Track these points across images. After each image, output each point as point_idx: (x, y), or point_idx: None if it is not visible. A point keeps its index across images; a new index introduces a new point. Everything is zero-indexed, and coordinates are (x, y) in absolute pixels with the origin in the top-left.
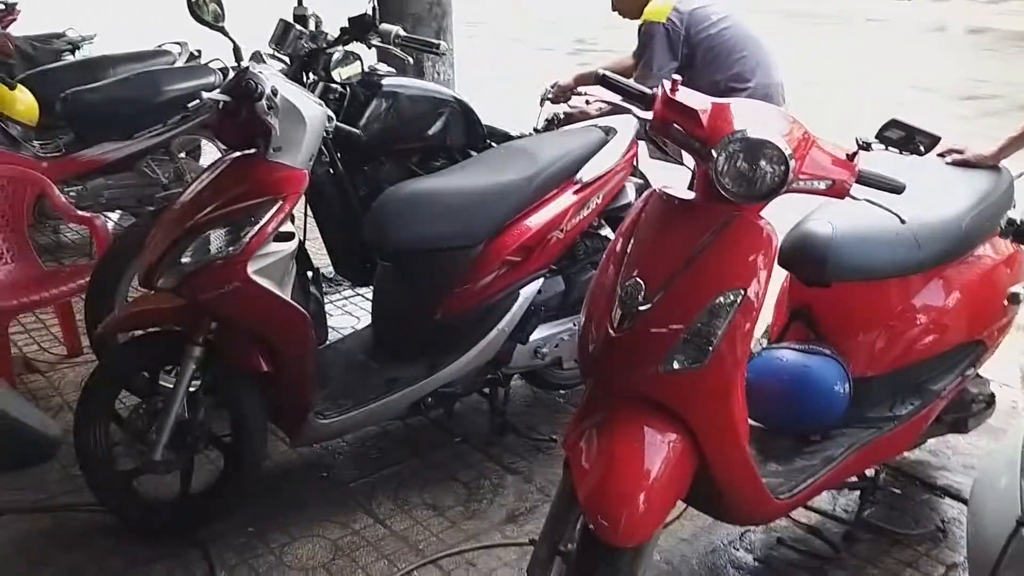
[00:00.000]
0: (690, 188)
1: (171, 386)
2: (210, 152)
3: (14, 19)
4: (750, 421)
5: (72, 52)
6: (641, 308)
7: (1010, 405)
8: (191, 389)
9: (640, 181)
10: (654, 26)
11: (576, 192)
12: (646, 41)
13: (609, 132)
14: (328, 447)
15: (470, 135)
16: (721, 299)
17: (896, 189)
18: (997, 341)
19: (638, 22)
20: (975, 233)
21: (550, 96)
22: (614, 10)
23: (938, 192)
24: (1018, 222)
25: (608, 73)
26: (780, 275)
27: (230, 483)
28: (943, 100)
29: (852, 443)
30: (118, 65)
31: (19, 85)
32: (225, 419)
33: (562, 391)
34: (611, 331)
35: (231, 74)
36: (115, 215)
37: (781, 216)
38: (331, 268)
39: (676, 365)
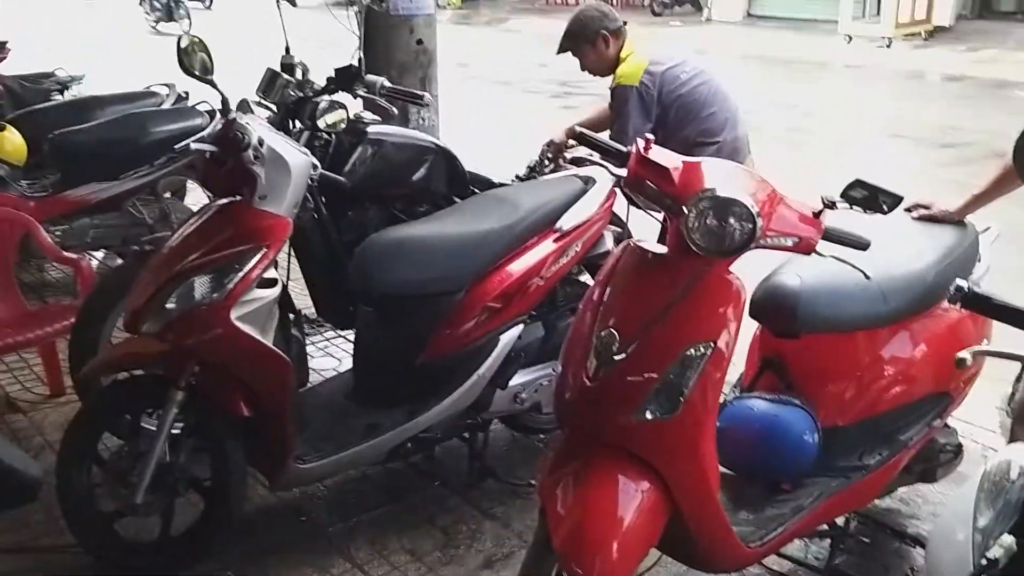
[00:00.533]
0: (660, 241)
1: (153, 429)
2: (195, 192)
3: (3, 58)
4: (722, 469)
5: (61, 92)
6: (616, 358)
7: (981, 453)
8: (173, 432)
9: (618, 229)
10: (627, 89)
11: (556, 240)
12: (620, 104)
13: (588, 182)
14: (307, 491)
15: (453, 182)
16: (692, 351)
17: (861, 246)
18: (964, 392)
19: (610, 79)
20: (940, 287)
21: (549, 155)
22: (583, 70)
23: (904, 247)
24: (965, 287)
25: (584, 131)
26: (752, 325)
27: (210, 527)
28: (919, 146)
29: (822, 492)
30: (106, 106)
31: (8, 125)
32: (205, 463)
33: (541, 435)
34: (586, 380)
35: (218, 117)
36: (99, 254)
37: (753, 267)
38: (313, 309)
39: (648, 415)
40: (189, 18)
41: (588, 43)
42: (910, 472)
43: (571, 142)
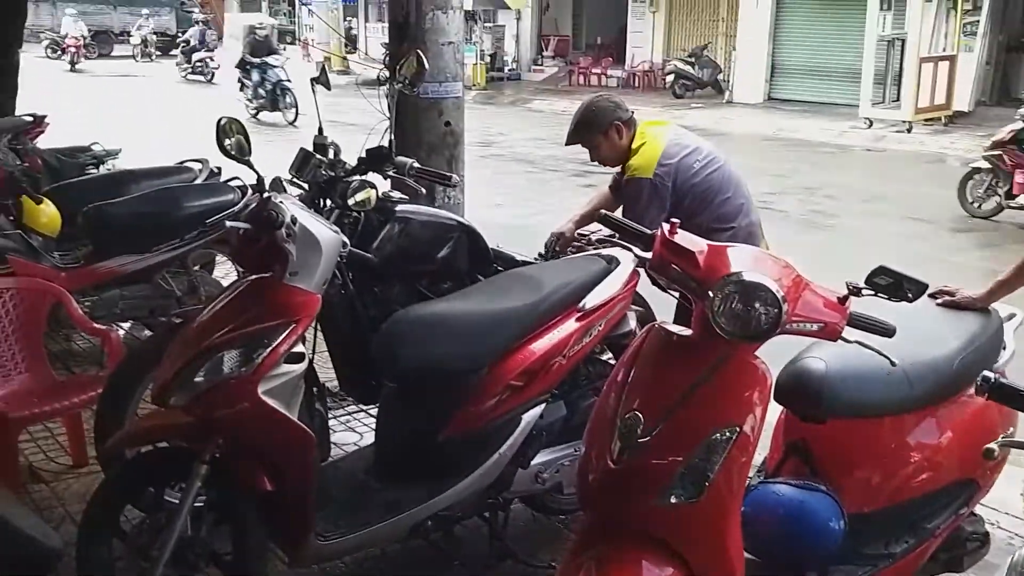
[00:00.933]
0: (676, 321)
1: (175, 502)
2: (224, 266)
3: (42, 131)
4: (746, 555)
5: (96, 166)
6: (640, 441)
7: (1007, 541)
8: (195, 506)
9: (641, 309)
10: (641, 181)
11: (579, 319)
12: (634, 196)
13: (612, 262)
14: (326, 567)
15: (477, 259)
16: (718, 435)
17: (887, 332)
18: (991, 480)
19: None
20: (965, 374)
21: (557, 248)
22: (594, 160)
23: (929, 333)
24: (992, 379)
25: (609, 213)
26: (776, 409)
27: None
28: (940, 230)
29: None
30: (140, 180)
31: (44, 198)
32: (226, 537)
33: (562, 516)
34: (610, 463)
35: (250, 194)
36: (126, 324)
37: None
38: (336, 383)
39: (673, 500)
40: (296, 108)
41: (600, 134)
42: (936, 561)
43: (579, 232)
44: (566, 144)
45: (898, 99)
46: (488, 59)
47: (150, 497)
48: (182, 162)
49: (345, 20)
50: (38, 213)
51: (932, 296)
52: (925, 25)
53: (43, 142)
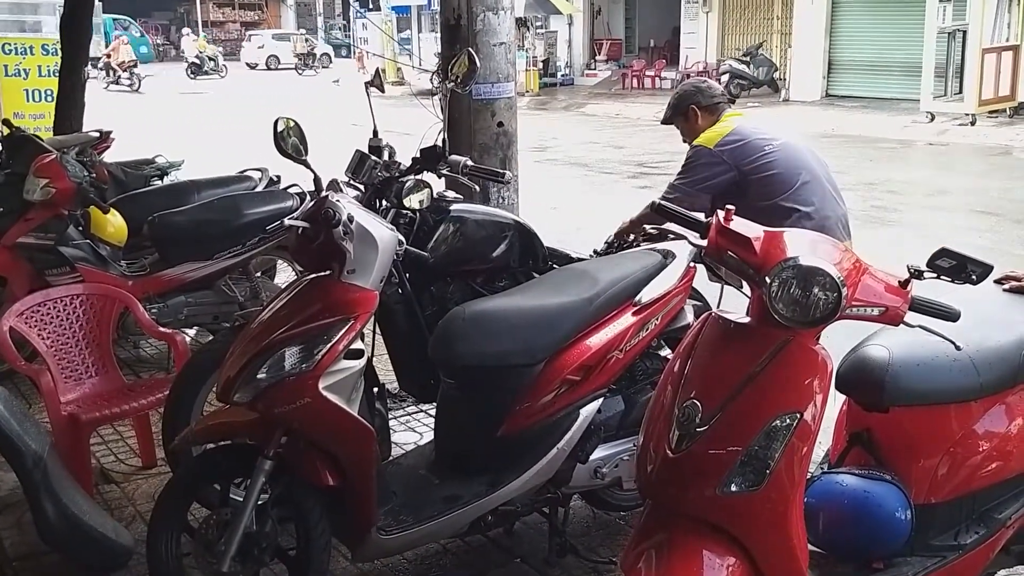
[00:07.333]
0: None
1: (241, 499)
2: (285, 272)
3: (108, 146)
4: (811, 547)
5: (160, 177)
6: (699, 429)
7: None
8: (259, 502)
9: (698, 303)
10: (699, 150)
11: (635, 313)
12: (688, 160)
13: (668, 256)
14: (388, 563)
15: (532, 257)
16: (777, 422)
17: (951, 316)
18: None
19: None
20: None
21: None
22: (683, 138)
23: (996, 319)
24: None
25: (664, 203)
26: (839, 398)
27: None
28: (1006, 223)
29: (916, 572)
30: (202, 190)
31: (111, 209)
32: (290, 532)
33: (622, 512)
34: (669, 452)
35: (308, 199)
36: (192, 331)
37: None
38: (396, 384)
39: (734, 488)
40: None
41: (681, 115)
42: (1009, 553)
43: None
44: (662, 122)
45: (960, 92)
46: (541, 65)
47: (216, 494)
48: (242, 171)
49: (401, 31)
50: (105, 223)
51: (998, 282)
52: (987, 15)
53: (108, 156)
